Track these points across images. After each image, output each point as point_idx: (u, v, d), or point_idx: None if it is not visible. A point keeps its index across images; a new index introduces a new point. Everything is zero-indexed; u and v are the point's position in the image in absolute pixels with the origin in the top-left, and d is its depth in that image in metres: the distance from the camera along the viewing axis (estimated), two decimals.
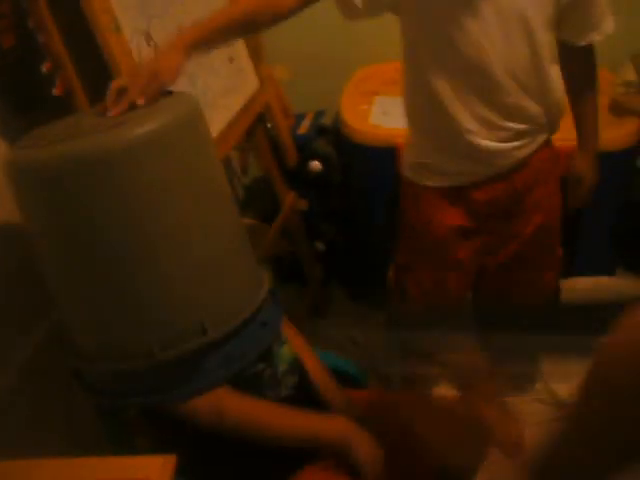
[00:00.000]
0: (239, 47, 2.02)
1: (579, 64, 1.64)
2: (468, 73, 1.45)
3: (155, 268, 1.14)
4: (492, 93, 1.47)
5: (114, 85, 1.22)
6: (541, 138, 1.60)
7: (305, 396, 1.35)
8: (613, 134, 2.00)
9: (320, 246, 2.52)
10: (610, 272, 2.37)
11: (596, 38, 1.56)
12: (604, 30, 1.55)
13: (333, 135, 2.43)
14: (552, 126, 1.62)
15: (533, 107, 1.52)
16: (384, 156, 2.20)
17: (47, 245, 1.17)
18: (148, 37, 1.59)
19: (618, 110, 2.16)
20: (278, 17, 1.39)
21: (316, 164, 2.35)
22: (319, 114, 2.51)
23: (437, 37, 1.44)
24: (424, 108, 1.56)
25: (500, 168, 1.58)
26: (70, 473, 1.06)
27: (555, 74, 1.53)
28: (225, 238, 1.24)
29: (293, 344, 1.39)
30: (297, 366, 1.36)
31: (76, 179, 1.09)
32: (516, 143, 1.56)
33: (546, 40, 1.47)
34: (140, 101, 1.18)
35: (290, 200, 2.30)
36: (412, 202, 1.71)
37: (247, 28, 1.41)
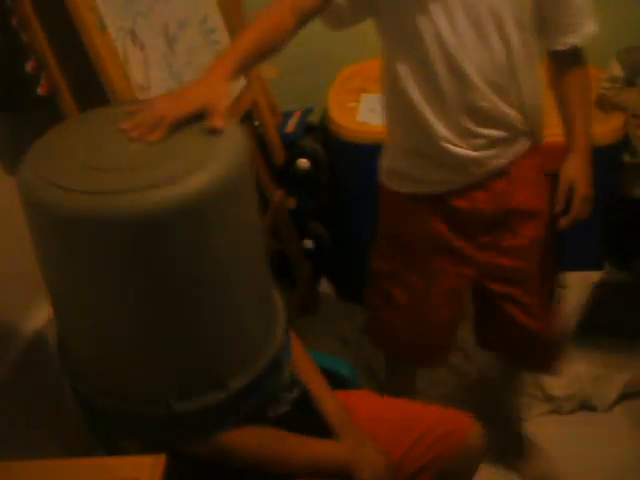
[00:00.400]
0: (226, 46, 2.02)
1: (565, 70, 1.56)
2: (440, 75, 1.42)
3: (193, 318, 1.08)
4: (465, 97, 1.43)
5: (154, 109, 1.10)
6: (521, 147, 1.54)
7: (305, 410, 1.34)
8: (599, 129, 2.00)
9: (309, 244, 2.51)
10: (598, 267, 2.38)
11: (575, 41, 1.50)
12: (585, 33, 1.48)
13: (321, 133, 2.43)
14: (534, 135, 1.56)
15: (510, 113, 1.47)
16: (372, 153, 2.19)
17: (78, 288, 1.06)
18: (134, 35, 1.58)
19: (604, 105, 2.17)
20: (287, 38, 1.36)
21: (304, 162, 2.34)
22: (306, 112, 2.50)
23: (409, 37, 1.42)
24: (399, 112, 1.54)
25: (476, 177, 1.53)
26: (59, 474, 1.06)
27: (534, 79, 1.49)
28: (257, 284, 1.18)
29: (298, 363, 1.36)
30: (296, 381, 1.34)
31: (133, 236, 0.98)
32: (492, 151, 1.50)
33: (522, 41, 1.42)
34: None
35: (278, 198, 2.29)
36: (392, 209, 1.66)
37: (267, 52, 1.36)
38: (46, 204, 0.99)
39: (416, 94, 1.45)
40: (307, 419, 1.33)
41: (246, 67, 1.28)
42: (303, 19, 1.37)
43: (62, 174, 1.00)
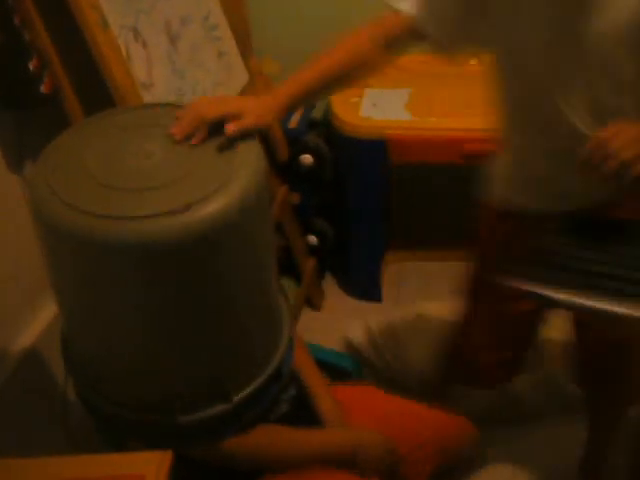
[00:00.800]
0: (228, 42, 2.02)
1: None
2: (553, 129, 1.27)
3: (203, 337, 1.07)
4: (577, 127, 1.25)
5: (195, 110, 1.10)
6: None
7: (301, 407, 1.35)
8: None
9: (313, 239, 2.52)
10: None
11: None
12: None
13: (324, 128, 2.43)
14: None
15: None
16: (375, 148, 2.20)
17: (102, 306, 1.05)
18: (136, 33, 1.58)
19: None
20: (367, 68, 1.29)
21: (307, 158, 2.34)
22: (309, 107, 2.50)
23: (521, 82, 1.28)
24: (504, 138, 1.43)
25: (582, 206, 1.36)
26: (66, 470, 1.06)
27: None
28: (267, 300, 1.17)
29: (296, 358, 1.35)
30: (294, 378, 1.35)
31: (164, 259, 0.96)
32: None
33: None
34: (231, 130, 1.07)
35: (282, 194, 2.29)
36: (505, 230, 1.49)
37: (343, 82, 1.30)
38: (59, 225, 0.96)
39: (523, 126, 1.35)
40: (304, 416, 1.34)
41: (306, 99, 1.24)
42: (386, 50, 1.27)
43: (77, 194, 0.97)
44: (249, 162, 1.05)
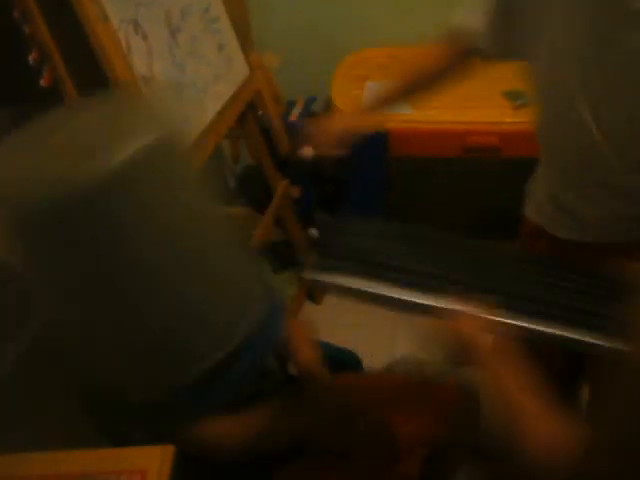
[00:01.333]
0: (229, 35, 2.01)
1: None
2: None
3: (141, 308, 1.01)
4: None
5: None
6: None
7: (284, 379, 1.33)
8: None
9: (314, 232, 2.51)
10: None
11: None
12: None
13: None
14: None
15: None
16: (376, 141, 2.19)
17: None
18: (136, 25, 1.58)
19: None
20: (436, 80, 1.41)
21: (308, 151, 2.34)
22: (310, 101, 2.50)
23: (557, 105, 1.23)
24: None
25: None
26: (68, 465, 1.06)
27: None
28: (215, 267, 1.07)
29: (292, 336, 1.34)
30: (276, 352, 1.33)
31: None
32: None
33: None
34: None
35: (282, 188, 2.29)
36: None
37: (418, 93, 1.49)
38: None
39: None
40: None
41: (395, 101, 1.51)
42: (458, 62, 1.36)
43: None
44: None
